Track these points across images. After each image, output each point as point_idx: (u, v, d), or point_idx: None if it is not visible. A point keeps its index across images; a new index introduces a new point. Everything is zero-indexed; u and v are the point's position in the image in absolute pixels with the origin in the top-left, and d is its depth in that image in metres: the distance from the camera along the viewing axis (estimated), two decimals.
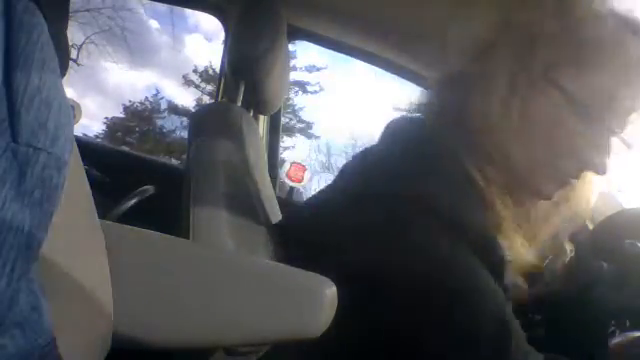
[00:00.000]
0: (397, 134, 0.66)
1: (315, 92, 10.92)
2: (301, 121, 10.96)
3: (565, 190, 0.63)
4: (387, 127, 0.68)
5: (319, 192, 0.73)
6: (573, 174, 0.60)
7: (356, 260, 0.55)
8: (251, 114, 1.24)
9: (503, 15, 0.60)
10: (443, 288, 0.52)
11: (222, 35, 1.49)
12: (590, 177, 0.64)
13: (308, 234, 0.63)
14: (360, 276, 0.54)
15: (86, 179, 0.49)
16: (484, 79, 0.59)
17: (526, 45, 0.58)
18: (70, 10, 0.47)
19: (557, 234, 0.70)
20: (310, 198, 0.78)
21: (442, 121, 0.62)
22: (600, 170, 0.59)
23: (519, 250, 0.61)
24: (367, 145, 0.70)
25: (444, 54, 0.65)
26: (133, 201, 1.38)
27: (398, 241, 0.53)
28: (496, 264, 0.55)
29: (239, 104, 1.18)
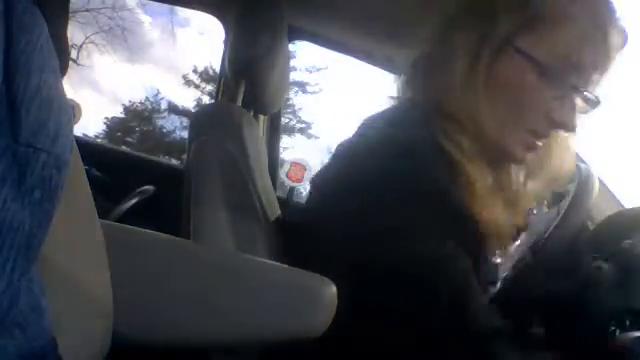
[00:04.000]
0: (369, 123, 0.69)
1: (315, 92, 10.91)
2: (301, 121, 10.95)
3: (538, 154, 0.67)
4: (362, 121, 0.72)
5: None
6: (542, 134, 0.63)
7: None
8: (251, 114, 1.24)
9: None
10: (403, 257, 0.55)
11: (215, 29, 1.48)
12: (562, 139, 0.67)
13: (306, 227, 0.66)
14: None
15: (86, 179, 0.49)
16: (447, 54, 0.63)
17: (485, 15, 0.61)
18: (70, 10, 0.47)
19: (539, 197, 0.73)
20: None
21: (412, 102, 0.67)
22: (569, 127, 0.62)
23: (499, 215, 0.63)
24: None
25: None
26: (133, 201, 1.37)
27: (370, 219, 0.57)
28: (466, 231, 0.58)
29: (239, 104, 1.18)
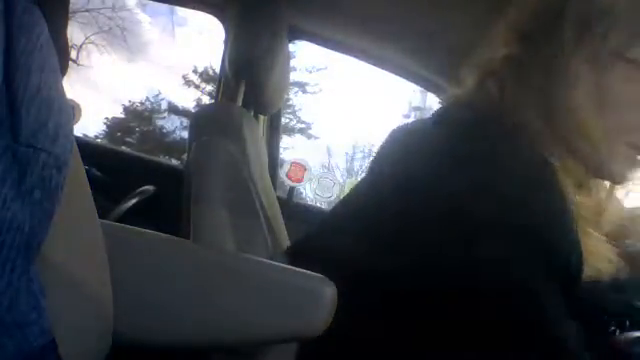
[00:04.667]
0: (453, 119, 0.60)
1: (315, 92, 10.92)
2: (301, 121, 10.95)
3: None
4: (434, 114, 0.64)
5: (345, 199, 0.70)
6: None
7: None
8: (251, 114, 1.24)
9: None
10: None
11: (215, 29, 1.48)
12: None
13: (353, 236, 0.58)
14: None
15: (86, 179, 0.49)
16: (554, 63, 0.57)
17: (593, 23, 0.56)
18: (70, 10, 0.47)
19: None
20: (336, 207, 0.73)
21: (506, 107, 0.58)
22: None
23: (599, 246, 0.57)
24: (370, 146, 0.64)
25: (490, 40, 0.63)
26: (133, 201, 1.38)
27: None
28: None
29: (239, 104, 1.18)
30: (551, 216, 0.50)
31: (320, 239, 0.68)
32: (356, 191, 0.69)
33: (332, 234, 0.64)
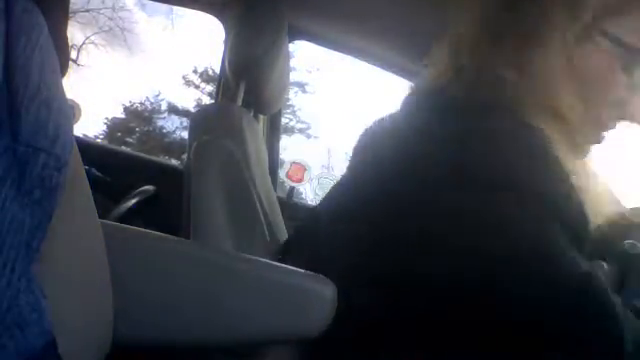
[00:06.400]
0: (438, 102, 0.59)
1: (315, 92, 10.91)
2: (300, 121, 10.94)
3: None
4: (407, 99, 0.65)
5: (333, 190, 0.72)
6: (613, 124, 0.60)
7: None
8: (251, 114, 1.24)
9: None
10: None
11: (213, 28, 1.48)
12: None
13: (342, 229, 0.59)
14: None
15: (86, 179, 0.49)
16: (536, 33, 0.56)
17: None
18: (70, 10, 0.47)
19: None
20: (323, 201, 0.74)
21: (484, 82, 0.57)
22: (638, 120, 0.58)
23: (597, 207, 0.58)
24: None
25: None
26: (133, 201, 1.37)
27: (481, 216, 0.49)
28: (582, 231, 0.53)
29: (239, 104, 1.18)
30: (557, 183, 0.51)
31: (312, 233, 0.69)
32: (339, 188, 0.70)
33: (327, 226, 0.65)
